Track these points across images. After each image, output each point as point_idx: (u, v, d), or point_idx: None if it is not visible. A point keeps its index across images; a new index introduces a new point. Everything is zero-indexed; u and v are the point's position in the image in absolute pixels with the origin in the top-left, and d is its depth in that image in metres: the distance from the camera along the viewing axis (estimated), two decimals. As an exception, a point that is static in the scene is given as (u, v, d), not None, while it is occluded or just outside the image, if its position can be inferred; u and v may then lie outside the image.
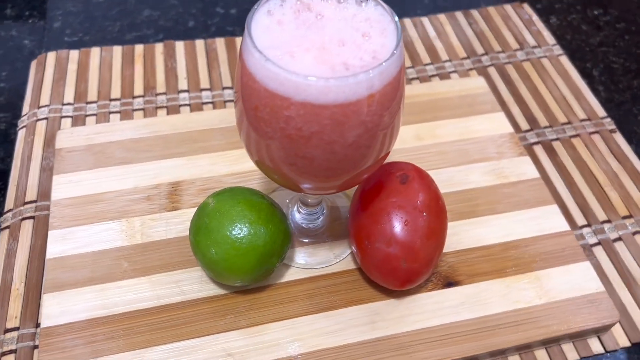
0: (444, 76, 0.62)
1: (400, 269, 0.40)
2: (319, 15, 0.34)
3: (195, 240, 0.40)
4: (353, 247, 0.43)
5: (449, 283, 0.45)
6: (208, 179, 0.50)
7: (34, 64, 0.60)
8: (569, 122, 0.59)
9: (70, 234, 0.46)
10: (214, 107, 0.58)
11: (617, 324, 0.45)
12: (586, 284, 0.45)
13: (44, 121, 0.55)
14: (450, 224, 0.47)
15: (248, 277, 0.41)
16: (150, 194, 0.48)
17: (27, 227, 0.48)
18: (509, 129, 0.55)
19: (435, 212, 0.41)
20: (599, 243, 0.50)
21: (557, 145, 0.57)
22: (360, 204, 0.42)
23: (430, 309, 0.43)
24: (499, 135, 0.54)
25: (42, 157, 0.53)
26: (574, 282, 0.45)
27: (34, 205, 0.49)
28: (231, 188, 0.43)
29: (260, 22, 0.33)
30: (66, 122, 0.55)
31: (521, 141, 0.56)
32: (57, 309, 0.42)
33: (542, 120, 0.59)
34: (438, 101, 0.57)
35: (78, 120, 0.56)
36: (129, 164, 0.50)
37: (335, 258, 0.45)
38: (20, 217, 0.48)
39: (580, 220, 0.51)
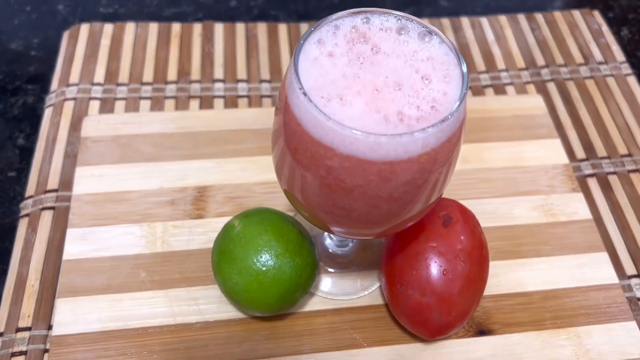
0: (499, 88, 0.57)
1: (433, 321, 0.37)
2: (375, 48, 0.30)
3: (218, 266, 0.38)
4: (383, 289, 0.40)
5: (481, 331, 0.42)
6: (237, 187, 0.47)
7: (66, 35, 0.58)
8: (629, 155, 0.54)
9: (89, 234, 0.44)
10: (250, 102, 0.54)
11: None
12: (629, 347, 0.42)
13: (72, 102, 0.53)
14: (490, 264, 0.44)
15: (268, 310, 0.38)
16: (175, 197, 0.46)
17: (46, 219, 0.46)
18: (564, 159, 0.51)
19: (477, 261, 0.38)
20: (647, 297, 0.46)
21: (613, 180, 0.52)
22: (397, 242, 0.39)
23: (458, 358, 0.40)
24: (552, 165, 0.50)
25: (67, 142, 0.50)
26: (617, 343, 0.42)
27: (55, 194, 0.47)
28: (259, 210, 0.40)
29: (309, 53, 0.30)
30: (94, 105, 0.53)
31: (575, 171, 0.52)
32: (69, 316, 0.40)
33: (600, 150, 0.54)
34: (490, 120, 0.53)
35: (107, 104, 0.53)
36: (155, 161, 0.48)
37: (363, 290, 0.43)
38: (41, 207, 0.47)
39: (630, 269, 0.47)
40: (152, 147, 0.48)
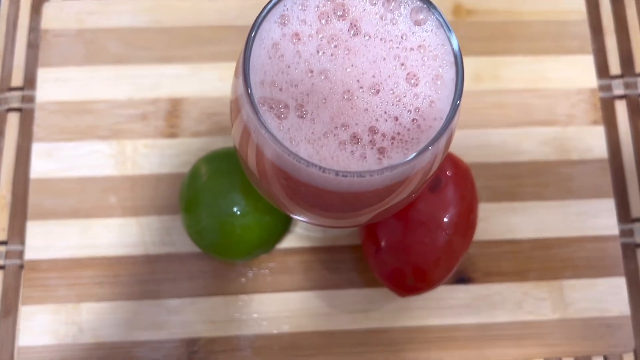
0: (536, -25, 0.47)
1: (406, 285, 0.36)
2: (354, 28, 0.24)
3: (184, 216, 0.36)
4: (361, 244, 0.38)
5: (461, 279, 0.40)
6: (214, 101, 0.42)
7: None
8: (673, 72, 0.46)
9: (55, 150, 0.41)
10: (237, -18, 0.46)
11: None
12: (611, 304, 0.40)
13: (32, -26, 0.46)
14: (482, 206, 0.41)
15: (236, 259, 0.37)
16: (146, 110, 0.42)
17: (13, 122, 0.43)
18: (592, 82, 0.44)
19: (462, 230, 0.35)
20: (648, 244, 0.43)
21: (645, 104, 0.46)
22: (378, 199, 0.36)
23: (431, 306, 0.40)
24: (577, 90, 0.44)
25: (29, 28, 0.44)
26: (599, 300, 0.40)
27: (20, 93, 0.43)
28: (227, 153, 0.36)
29: (267, 36, 0.23)
30: (57, -20, 0.46)
31: (604, 91, 0.45)
32: (41, 241, 0.40)
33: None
34: (515, 25, 0.45)
35: (72, -22, 0.46)
36: (124, 63, 0.42)
37: (342, 231, 0.41)
38: (7, 107, 0.43)
39: (637, 211, 0.44)
40: (120, 45, 0.43)
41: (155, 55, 0.43)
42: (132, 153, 0.41)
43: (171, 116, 0.42)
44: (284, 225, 0.36)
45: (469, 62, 0.43)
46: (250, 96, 0.22)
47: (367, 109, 0.23)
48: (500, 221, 0.41)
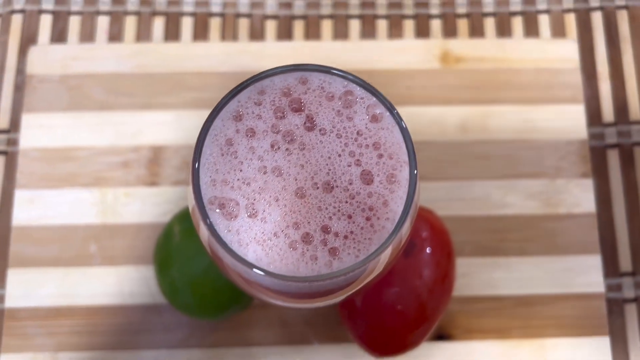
0: (531, 18, 0.46)
1: (379, 348, 0.36)
2: (310, 122, 0.23)
3: (158, 276, 0.36)
4: (338, 309, 0.38)
5: (440, 336, 0.40)
6: (196, 149, 0.42)
7: None
8: (669, 120, 0.45)
9: (37, 197, 0.41)
10: (224, 23, 0.46)
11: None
12: (595, 365, 0.40)
13: (21, 15, 0.46)
14: (464, 261, 0.40)
15: (212, 319, 0.37)
16: (128, 158, 0.42)
17: (-2, 164, 0.43)
18: (583, 133, 0.43)
19: (436, 297, 0.35)
20: (635, 300, 0.42)
21: (638, 153, 0.45)
22: (352, 262, 0.35)
23: (409, 363, 0.39)
24: (566, 141, 0.43)
25: (17, 70, 0.45)
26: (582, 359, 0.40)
27: (6, 136, 0.44)
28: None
29: (221, 133, 0.23)
30: (45, 21, 0.46)
31: (596, 140, 0.44)
32: (21, 289, 0.40)
33: (635, 111, 0.45)
34: (505, 73, 0.44)
35: (59, 19, 0.46)
36: (107, 110, 0.42)
37: (321, 284, 0.40)
38: (-8, 150, 0.43)
39: (626, 265, 0.43)
40: (104, 92, 0.42)
41: (138, 101, 0.42)
42: (113, 201, 0.41)
43: (152, 164, 0.42)
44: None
45: (456, 111, 0.43)
46: (199, 199, 0.22)
47: (320, 207, 0.23)
48: (482, 276, 0.41)
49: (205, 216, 0.22)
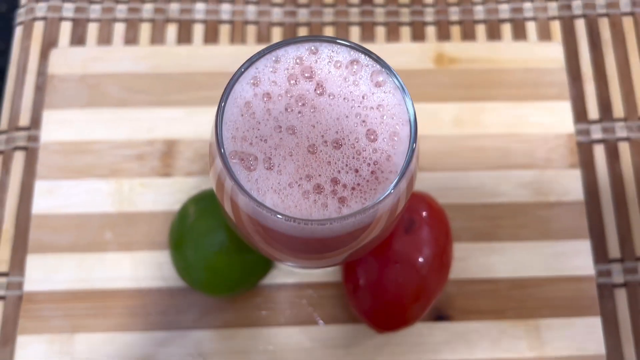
0: (519, 25, 0.50)
1: (382, 322, 0.37)
2: (320, 88, 0.26)
3: (172, 255, 0.38)
4: (341, 278, 0.40)
5: (440, 316, 0.42)
6: (207, 142, 0.45)
7: None
8: (650, 117, 0.48)
9: (56, 188, 0.43)
10: (232, 29, 0.49)
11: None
12: (587, 343, 0.41)
13: (42, 22, 0.49)
14: (461, 245, 0.43)
15: (222, 295, 0.39)
16: (142, 151, 0.44)
17: (19, 160, 0.46)
18: (569, 127, 0.46)
19: (435, 270, 0.37)
20: (624, 285, 0.45)
21: (623, 148, 0.47)
22: (356, 239, 0.38)
23: (410, 342, 0.41)
24: (555, 135, 0.45)
25: (37, 72, 0.47)
26: (575, 339, 0.41)
27: (27, 133, 0.46)
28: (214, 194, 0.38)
29: (240, 96, 0.26)
30: (65, 28, 0.49)
31: (583, 135, 0.47)
32: (40, 273, 0.42)
33: (618, 109, 0.48)
34: (496, 72, 0.47)
35: (78, 26, 0.49)
36: (123, 106, 0.45)
37: (325, 268, 0.42)
38: (13, 146, 0.46)
39: (614, 252, 0.45)
40: (121, 90, 0.45)
41: (153, 99, 0.45)
42: (128, 191, 0.43)
43: (166, 156, 0.44)
44: (266, 262, 0.38)
45: (451, 108, 0.46)
46: (221, 151, 0.24)
47: (329, 162, 0.25)
48: (478, 261, 0.43)
49: (228, 167, 0.24)
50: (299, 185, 0.25)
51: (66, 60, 0.46)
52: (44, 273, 0.42)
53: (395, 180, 0.24)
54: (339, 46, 0.26)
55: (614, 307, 0.44)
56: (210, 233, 0.36)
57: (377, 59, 0.26)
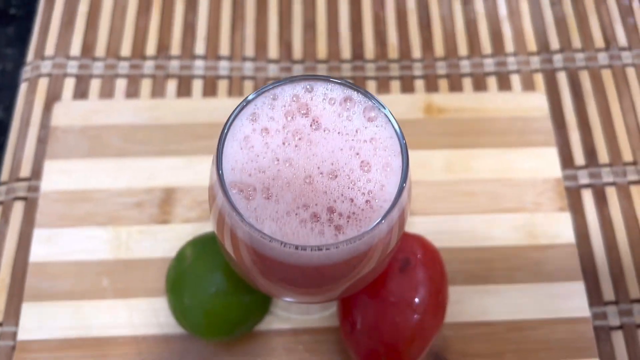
0: (503, 77, 0.52)
1: (380, 364, 0.37)
2: (315, 124, 0.27)
3: (169, 298, 0.38)
4: (338, 320, 0.40)
5: (437, 360, 0.42)
6: (205, 190, 0.45)
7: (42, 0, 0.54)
8: (633, 163, 0.50)
9: (55, 236, 0.44)
10: (230, 84, 0.51)
11: None
12: (587, 387, 0.41)
13: (47, 78, 0.51)
14: (456, 288, 0.43)
15: (218, 338, 0.39)
16: (141, 199, 0.45)
17: (18, 209, 0.46)
18: (557, 172, 0.47)
19: (431, 310, 0.37)
20: (621, 327, 0.45)
21: (610, 192, 0.49)
22: (352, 280, 0.38)
23: (409, 387, 0.41)
24: (543, 180, 0.47)
25: (40, 125, 0.49)
26: (575, 382, 0.41)
27: (27, 184, 0.47)
28: (212, 236, 0.39)
29: (239, 131, 0.27)
30: (69, 83, 0.51)
31: (570, 181, 0.48)
32: (34, 321, 0.42)
33: (603, 155, 0.50)
34: (484, 121, 0.49)
35: (82, 82, 0.51)
36: (124, 156, 0.46)
37: (322, 310, 0.43)
38: (13, 196, 0.47)
39: (608, 295, 0.46)
40: (122, 140, 0.47)
41: (152, 149, 0.47)
42: (126, 238, 0.44)
43: (165, 204, 0.45)
44: (264, 304, 0.39)
45: (441, 155, 0.47)
46: (221, 180, 0.25)
47: (326, 192, 0.26)
48: (474, 303, 0.43)
49: (227, 195, 0.25)
50: (296, 214, 0.26)
51: (69, 112, 0.48)
52: (39, 321, 0.42)
53: (389, 207, 0.25)
54: (333, 84, 0.28)
55: (612, 350, 0.44)
56: (207, 274, 0.37)
57: (369, 96, 0.27)
